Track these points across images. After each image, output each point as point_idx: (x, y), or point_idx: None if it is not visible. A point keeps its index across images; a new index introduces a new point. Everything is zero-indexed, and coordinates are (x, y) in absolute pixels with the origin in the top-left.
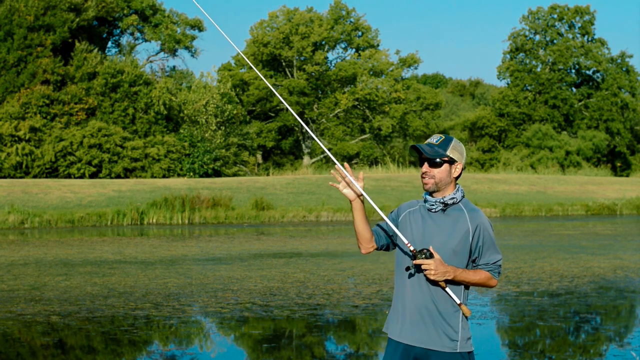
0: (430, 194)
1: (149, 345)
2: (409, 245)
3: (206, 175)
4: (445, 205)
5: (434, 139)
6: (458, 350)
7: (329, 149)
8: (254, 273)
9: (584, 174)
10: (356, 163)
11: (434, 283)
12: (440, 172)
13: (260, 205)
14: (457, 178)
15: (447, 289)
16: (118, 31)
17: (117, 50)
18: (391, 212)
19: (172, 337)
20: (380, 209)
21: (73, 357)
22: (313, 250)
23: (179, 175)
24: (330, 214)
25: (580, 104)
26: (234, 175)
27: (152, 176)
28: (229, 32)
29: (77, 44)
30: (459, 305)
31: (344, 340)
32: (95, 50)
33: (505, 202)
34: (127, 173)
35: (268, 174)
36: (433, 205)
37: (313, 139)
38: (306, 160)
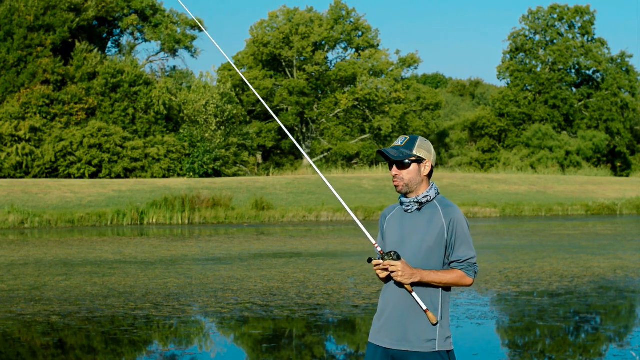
0: (405, 195)
1: (149, 345)
2: (376, 246)
3: (206, 175)
4: (420, 204)
5: (400, 141)
6: (437, 349)
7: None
8: (254, 273)
9: (584, 174)
10: (356, 163)
11: (402, 286)
12: (409, 173)
13: (260, 205)
14: (429, 176)
15: (414, 294)
16: (118, 31)
17: (117, 50)
18: (379, 222)
19: (172, 337)
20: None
21: (73, 357)
22: (313, 250)
23: (179, 175)
24: (330, 214)
25: (580, 104)
26: (234, 175)
27: (152, 176)
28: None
29: (77, 44)
30: (425, 311)
31: (344, 340)
32: (95, 50)
33: (505, 202)
34: (127, 173)
35: (268, 174)
36: (408, 206)
37: (313, 139)
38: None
